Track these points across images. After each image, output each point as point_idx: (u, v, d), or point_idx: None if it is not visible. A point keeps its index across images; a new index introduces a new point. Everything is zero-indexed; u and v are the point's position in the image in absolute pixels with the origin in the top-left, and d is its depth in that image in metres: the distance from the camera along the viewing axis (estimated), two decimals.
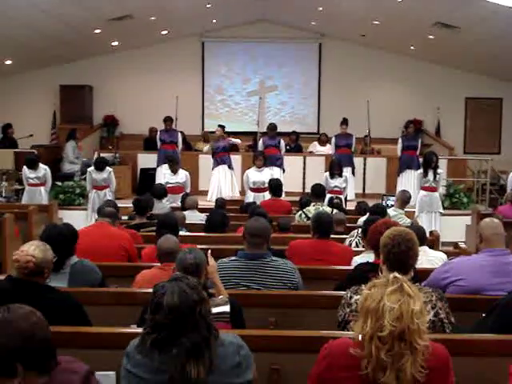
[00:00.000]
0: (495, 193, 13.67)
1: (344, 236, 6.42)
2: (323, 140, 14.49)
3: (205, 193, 12.35)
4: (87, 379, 2.27)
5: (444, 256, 5.22)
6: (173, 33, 15.12)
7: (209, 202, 11.46)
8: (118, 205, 7.26)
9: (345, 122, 12.78)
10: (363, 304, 2.39)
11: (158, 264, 4.47)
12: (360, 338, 2.36)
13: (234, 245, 5.34)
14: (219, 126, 12.80)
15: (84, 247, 4.66)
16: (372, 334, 2.31)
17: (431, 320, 3.15)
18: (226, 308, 3.41)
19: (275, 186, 9.20)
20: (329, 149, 13.93)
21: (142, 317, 3.42)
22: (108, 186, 10.86)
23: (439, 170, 10.33)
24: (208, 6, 13.31)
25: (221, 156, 12.21)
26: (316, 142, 14.58)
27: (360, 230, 5.82)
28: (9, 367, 2.05)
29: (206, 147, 12.88)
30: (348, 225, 7.16)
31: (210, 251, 3.65)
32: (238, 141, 12.88)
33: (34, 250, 3.53)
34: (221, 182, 12.21)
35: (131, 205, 7.51)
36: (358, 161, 13.13)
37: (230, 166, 12.31)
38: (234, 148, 13.86)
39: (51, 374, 2.17)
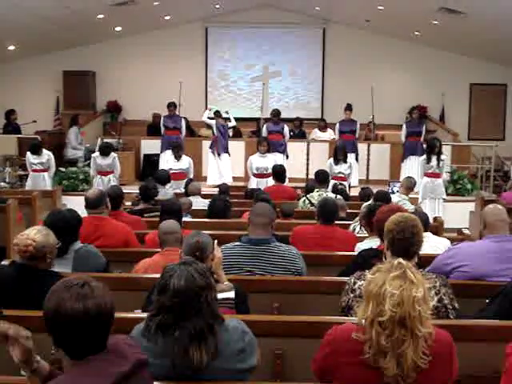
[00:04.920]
0: (499, 179, 13.64)
1: (344, 222, 6.42)
2: (322, 126, 14.38)
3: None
4: (139, 368, 2.17)
5: (448, 242, 5.21)
6: (176, 18, 15.01)
7: (209, 186, 11.44)
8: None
9: (349, 107, 12.73)
10: (366, 288, 2.39)
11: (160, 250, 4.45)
12: (363, 322, 2.37)
13: (237, 231, 5.34)
14: (215, 112, 12.65)
15: None
16: (373, 319, 2.32)
17: (435, 306, 3.15)
18: (231, 294, 3.42)
19: (279, 172, 9.19)
20: (330, 134, 13.88)
21: (147, 301, 3.44)
22: (112, 171, 10.84)
23: (443, 156, 10.29)
24: None
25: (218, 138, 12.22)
26: (316, 129, 14.50)
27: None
28: None
29: (213, 122, 12.64)
30: (351, 211, 7.15)
31: (216, 241, 3.65)
32: (231, 124, 12.85)
33: (34, 234, 3.54)
34: (219, 166, 12.20)
35: (134, 191, 7.50)
36: (361, 147, 13.07)
37: (226, 150, 12.30)
38: (238, 134, 13.85)
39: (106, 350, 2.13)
